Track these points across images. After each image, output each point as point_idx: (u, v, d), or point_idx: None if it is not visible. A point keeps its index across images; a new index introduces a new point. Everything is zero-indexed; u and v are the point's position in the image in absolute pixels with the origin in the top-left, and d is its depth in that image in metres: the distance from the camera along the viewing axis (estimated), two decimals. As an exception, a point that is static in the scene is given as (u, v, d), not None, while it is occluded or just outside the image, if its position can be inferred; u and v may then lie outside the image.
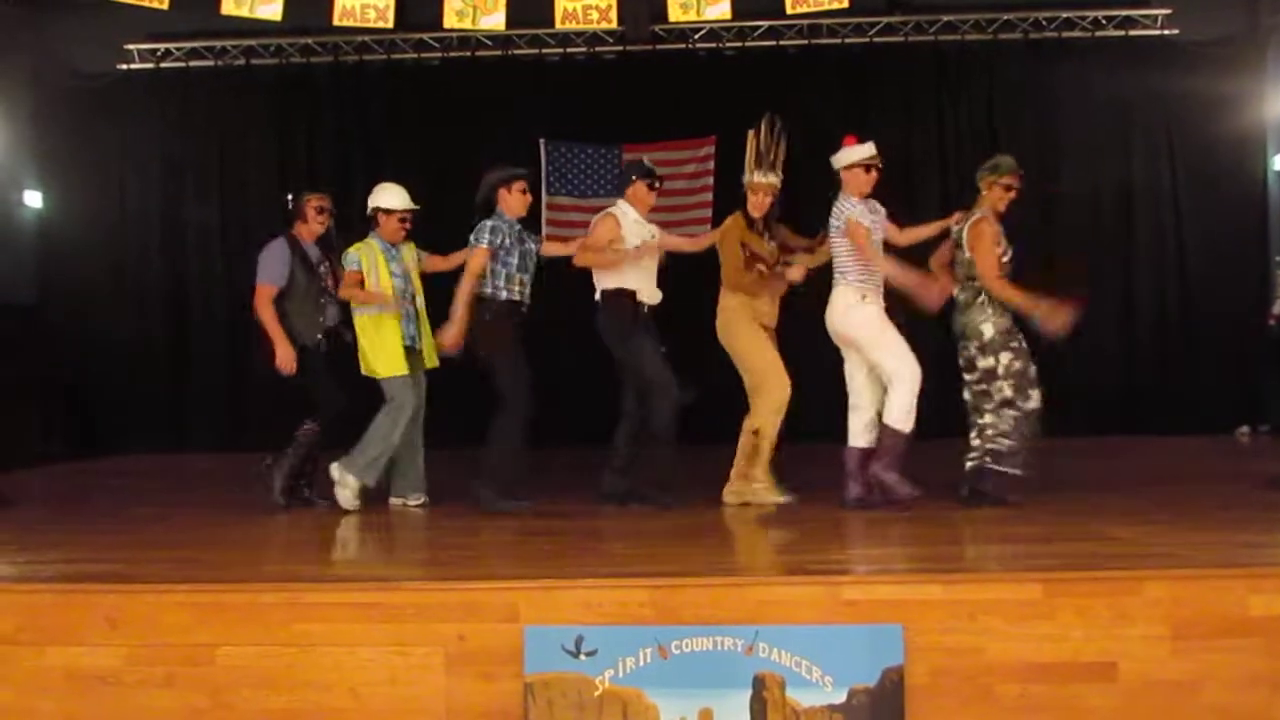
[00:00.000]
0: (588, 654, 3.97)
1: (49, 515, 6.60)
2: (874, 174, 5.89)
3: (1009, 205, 5.92)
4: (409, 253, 6.48)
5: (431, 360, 6.48)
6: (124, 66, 10.44)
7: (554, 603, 4.08)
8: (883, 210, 5.97)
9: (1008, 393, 5.73)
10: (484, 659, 4.01)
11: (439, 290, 6.38)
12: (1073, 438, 9.33)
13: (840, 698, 3.91)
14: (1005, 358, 5.73)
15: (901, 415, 5.69)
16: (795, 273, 6.03)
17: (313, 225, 6.40)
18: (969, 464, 5.88)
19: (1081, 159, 10.09)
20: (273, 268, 6.24)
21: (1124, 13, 10.08)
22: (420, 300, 6.45)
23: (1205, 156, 10.01)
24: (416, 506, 6.39)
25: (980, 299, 5.80)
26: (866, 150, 5.89)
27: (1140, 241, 10.14)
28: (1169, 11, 10.00)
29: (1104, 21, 10.09)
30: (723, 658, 3.95)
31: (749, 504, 6.07)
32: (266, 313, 6.19)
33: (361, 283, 6.22)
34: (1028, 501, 5.72)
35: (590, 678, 3.96)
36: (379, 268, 6.27)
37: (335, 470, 6.23)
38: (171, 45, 10.36)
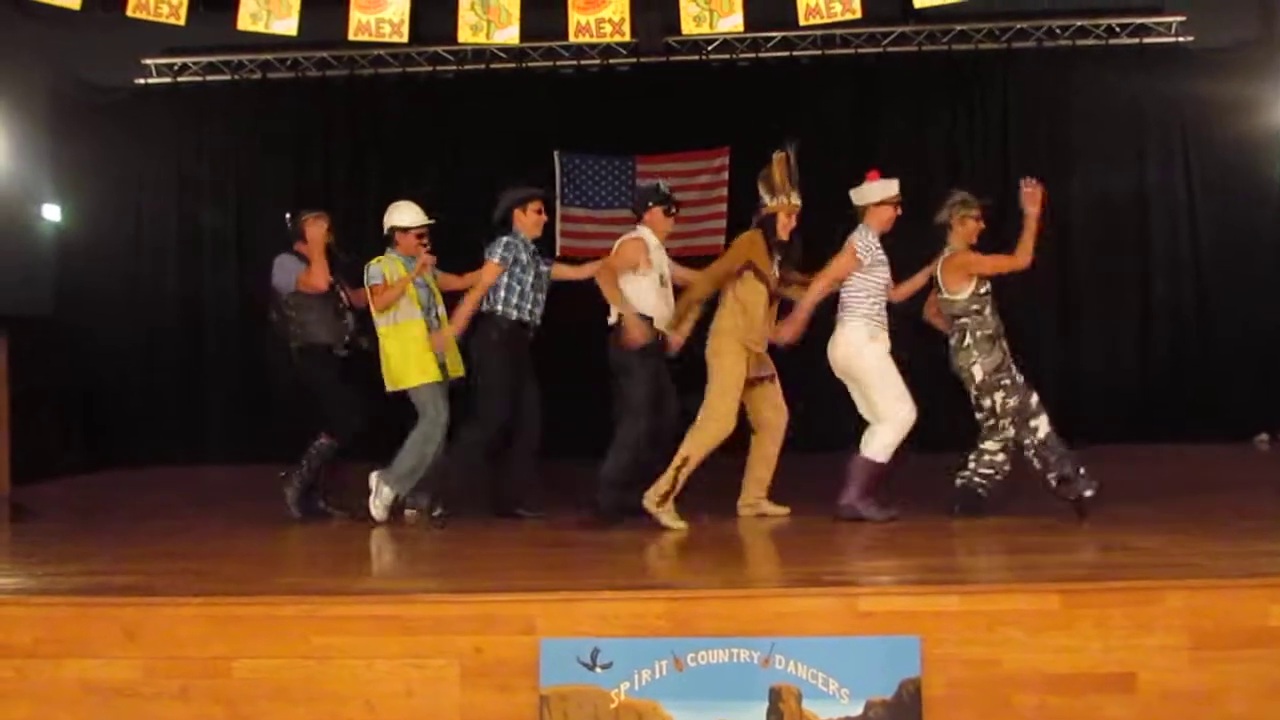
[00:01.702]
0: (603, 666, 3.96)
1: (68, 527, 6.63)
2: (898, 210, 5.95)
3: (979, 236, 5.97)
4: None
5: (457, 369, 6.50)
6: (141, 81, 10.50)
7: (570, 615, 4.08)
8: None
9: (1010, 432, 5.75)
10: (500, 671, 4.01)
11: (453, 306, 6.43)
12: (1087, 445, 9.27)
13: (857, 710, 3.90)
14: (999, 397, 5.74)
15: (882, 450, 5.78)
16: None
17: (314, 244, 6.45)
18: (958, 481, 5.91)
19: (1096, 166, 10.05)
20: (287, 275, 6.33)
21: (1138, 20, 10.04)
22: (443, 312, 6.48)
23: (1220, 162, 9.97)
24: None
25: (966, 342, 5.81)
26: (892, 188, 5.94)
27: (1156, 248, 10.08)
28: (1183, 18, 9.97)
29: (1118, 29, 10.06)
30: (739, 670, 3.94)
31: (765, 515, 6.07)
32: (310, 278, 6.28)
33: (384, 290, 6.28)
34: (1040, 510, 5.70)
35: (606, 690, 3.95)
36: (401, 279, 6.31)
37: (374, 479, 6.28)
38: (188, 60, 10.42)
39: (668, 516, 5.81)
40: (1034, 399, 5.77)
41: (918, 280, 6.13)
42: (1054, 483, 5.73)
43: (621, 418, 6.00)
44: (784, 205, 5.99)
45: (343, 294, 6.44)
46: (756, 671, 3.93)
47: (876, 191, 5.94)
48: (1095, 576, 4.17)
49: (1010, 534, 5.27)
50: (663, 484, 5.81)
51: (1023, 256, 5.82)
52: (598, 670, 3.96)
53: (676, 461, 5.83)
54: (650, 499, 5.82)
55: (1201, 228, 10.04)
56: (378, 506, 6.24)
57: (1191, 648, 3.94)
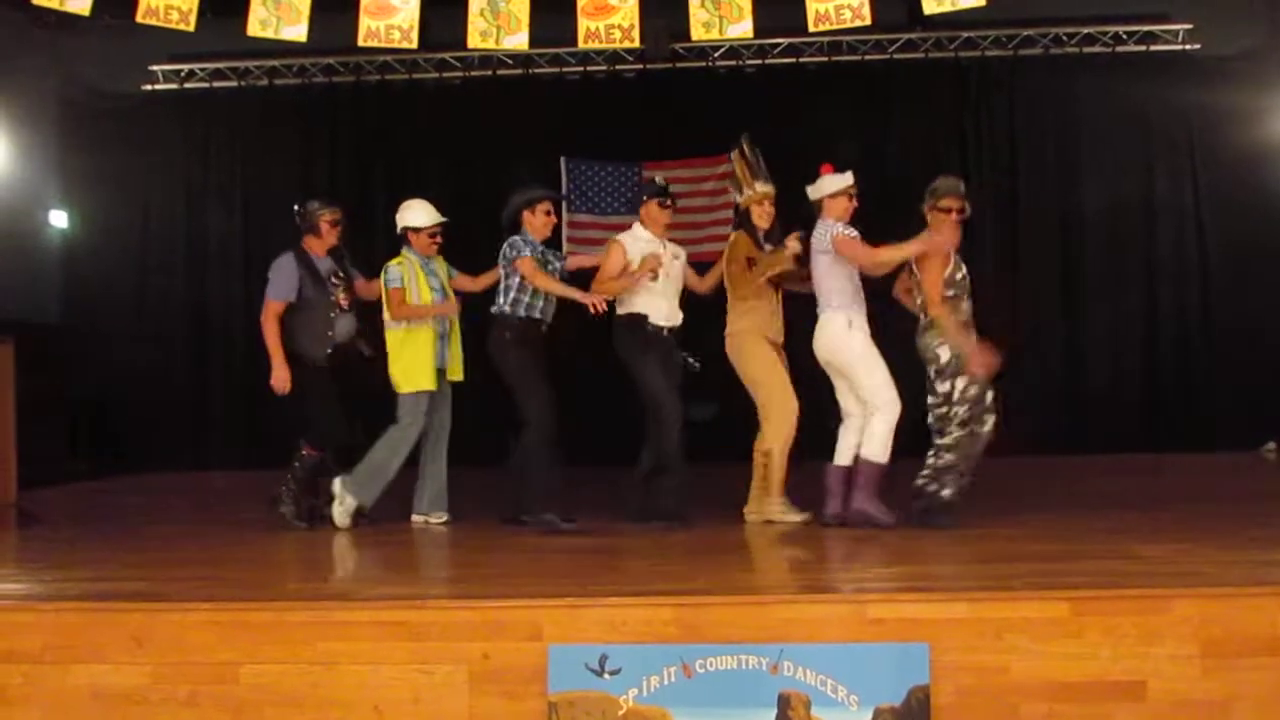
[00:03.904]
0: (612, 673, 3.95)
1: (75, 533, 6.63)
2: (855, 202, 5.96)
3: (960, 227, 5.88)
4: (442, 269, 6.52)
5: (456, 374, 6.50)
6: (148, 87, 10.55)
7: (578, 621, 4.06)
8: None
9: (963, 416, 5.68)
10: (508, 678, 4.00)
11: (468, 308, 6.48)
12: (1095, 454, 9.30)
13: (866, 717, 3.88)
14: (960, 383, 5.67)
15: (879, 447, 5.74)
16: (794, 243, 5.92)
17: (326, 239, 6.42)
18: (919, 482, 5.83)
19: (1103, 174, 10.06)
20: (280, 283, 6.26)
21: (1145, 28, 10.06)
22: (454, 316, 6.49)
23: (1227, 171, 9.97)
24: (439, 524, 6.39)
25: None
26: (847, 179, 5.96)
27: (1162, 256, 10.09)
28: (1190, 26, 9.98)
29: (1125, 36, 10.07)
30: (747, 676, 3.92)
31: (771, 522, 6.06)
32: (269, 327, 6.21)
33: (403, 299, 6.29)
34: (1049, 518, 5.69)
35: (614, 696, 3.94)
36: (419, 281, 6.33)
37: (337, 486, 6.27)
38: (195, 66, 10.47)
39: (779, 510, 5.90)
40: (990, 396, 5.73)
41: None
42: (940, 463, 5.71)
43: (650, 423, 6.04)
44: (753, 196, 6.09)
45: (340, 298, 6.37)
46: (765, 678, 3.92)
47: (830, 184, 5.95)
48: (1104, 584, 4.14)
49: (1018, 542, 5.25)
50: (755, 485, 5.93)
51: (943, 320, 5.67)
52: (606, 676, 3.95)
53: (759, 458, 5.93)
54: (750, 508, 5.94)
55: (1208, 235, 10.05)
56: (339, 513, 6.24)
57: (1201, 656, 3.91)
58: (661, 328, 6.08)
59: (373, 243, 8.93)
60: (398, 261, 6.39)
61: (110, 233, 10.57)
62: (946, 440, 5.75)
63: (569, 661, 3.96)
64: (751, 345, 6.02)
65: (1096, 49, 10.11)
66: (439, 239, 6.47)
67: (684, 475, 5.99)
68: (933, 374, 5.76)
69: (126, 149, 10.51)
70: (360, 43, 6.26)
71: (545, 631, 4.03)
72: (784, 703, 3.90)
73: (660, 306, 6.09)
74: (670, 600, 4.12)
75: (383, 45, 6.29)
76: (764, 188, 6.11)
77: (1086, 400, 9.97)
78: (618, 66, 10.34)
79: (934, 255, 5.73)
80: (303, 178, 10.46)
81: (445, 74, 10.40)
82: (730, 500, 6.17)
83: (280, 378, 6.17)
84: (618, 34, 6.11)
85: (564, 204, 9.89)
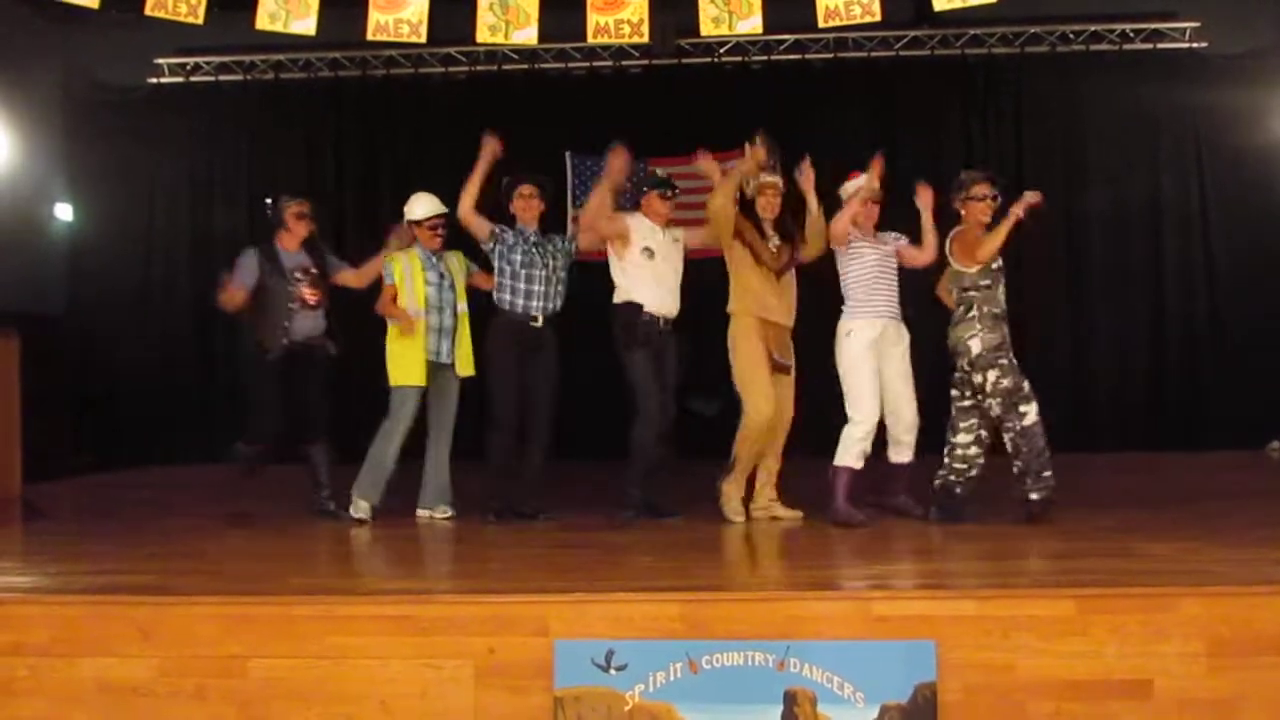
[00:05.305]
0: (618, 668, 3.96)
1: (80, 527, 6.65)
2: (870, 207, 6.03)
3: (994, 214, 5.90)
4: (456, 262, 6.52)
5: (467, 369, 6.49)
6: (154, 80, 10.53)
7: (584, 616, 4.07)
8: (899, 238, 6.12)
9: (996, 410, 5.69)
10: (514, 672, 4.01)
11: (482, 303, 6.49)
12: (1101, 452, 9.28)
13: (872, 714, 3.89)
14: (992, 375, 5.69)
15: (848, 454, 5.82)
16: (759, 146, 6.07)
17: (295, 231, 6.51)
18: (935, 482, 5.90)
19: (1110, 172, 10.03)
20: (237, 277, 6.40)
21: (1152, 26, 10.03)
22: (462, 308, 6.46)
23: (1234, 169, 9.93)
24: (444, 519, 6.40)
25: (970, 314, 5.77)
26: (860, 183, 6.04)
27: (1169, 255, 10.06)
28: (1198, 24, 9.94)
29: (1132, 34, 10.04)
30: (754, 673, 3.93)
31: (777, 518, 6.06)
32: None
33: (395, 298, 6.28)
34: (1055, 516, 5.68)
35: (620, 692, 3.95)
36: (414, 277, 6.32)
37: (355, 491, 6.37)
38: (201, 59, 10.45)
39: (728, 507, 6.01)
40: (1026, 385, 5.73)
41: (930, 242, 6.08)
42: (1015, 471, 5.71)
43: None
44: (756, 186, 6.14)
45: (305, 293, 6.43)
46: (771, 675, 3.92)
47: (850, 187, 6.08)
48: (1110, 583, 4.14)
49: (1025, 540, 5.26)
50: (758, 479, 6.11)
51: (997, 240, 5.73)
52: (612, 672, 3.96)
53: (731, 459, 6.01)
54: (755, 503, 6.10)
55: (1214, 234, 10.01)
56: (360, 511, 6.31)
57: (1208, 655, 3.92)
58: (656, 317, 6.08)
59: (378, 235, 8.92)
60: (395, 256, 6.42)
61: (116, 226, 10.55)
62: (960, 439, 5.80)
63: (575, 657, 3.97)
64: (740, 333, 6.02)
65: (1103, 47, 10.08)
66: (440, 230, 6.46)
67: (656, 470, 6.10)
68: (966, 366, 5.77)
69: (132, 142, 10.49)
70: (369, 36, 6.25)
71: (551, 627, 4.04)
72: (790, 699, 3.91)
73: (657, 293, 6.09)
74: (677, 596, 4.13)
75: (391, 39, 6.28)
76: (769, 177, 6.13)
77: (1092, 398, 9.95)
78: (624, 62, 10.32)
79: (966, 236, 5.81)
80: (308, 172, 10.45)
81: (451, 69, 10.38)
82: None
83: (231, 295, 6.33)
84: (627, 29, 6.10)
85: (569, 199, 9.92)
